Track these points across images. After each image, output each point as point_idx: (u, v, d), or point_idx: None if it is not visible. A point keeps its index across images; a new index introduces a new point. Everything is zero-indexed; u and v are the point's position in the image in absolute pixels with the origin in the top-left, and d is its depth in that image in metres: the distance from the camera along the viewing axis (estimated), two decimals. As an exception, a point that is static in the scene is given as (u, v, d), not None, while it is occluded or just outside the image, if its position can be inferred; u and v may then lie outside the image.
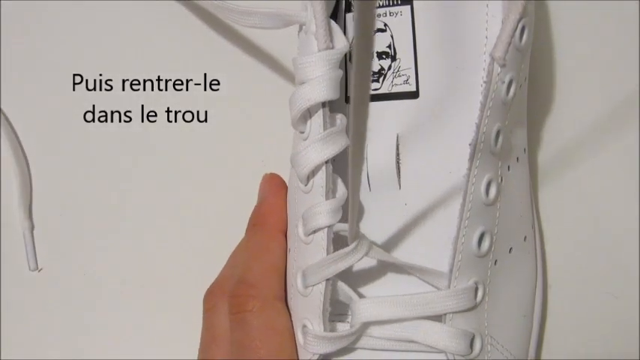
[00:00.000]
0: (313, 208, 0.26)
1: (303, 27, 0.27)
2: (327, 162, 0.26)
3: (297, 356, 0.26)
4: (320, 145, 0.26)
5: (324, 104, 0.26)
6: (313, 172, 0.26)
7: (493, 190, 0.26)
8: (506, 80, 0.26)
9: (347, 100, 0.29)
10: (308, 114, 0.26)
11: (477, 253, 0.26)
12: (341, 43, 0.26)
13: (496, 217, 0.27)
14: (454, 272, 0.25)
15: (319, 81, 0.25)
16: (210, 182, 0.36)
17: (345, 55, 0.27)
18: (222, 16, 0.30)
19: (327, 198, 0.26)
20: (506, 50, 0.25)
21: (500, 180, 0.27)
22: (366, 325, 0.25)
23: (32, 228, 0.37)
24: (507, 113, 0.27)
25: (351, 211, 0.23)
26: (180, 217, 0.36)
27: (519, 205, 0.29)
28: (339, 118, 0.27)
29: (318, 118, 0.26)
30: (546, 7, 0.33)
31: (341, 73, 0.26)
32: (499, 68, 0.26)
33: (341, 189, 0.26)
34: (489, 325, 0.26)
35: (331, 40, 0.26)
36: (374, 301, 0.25)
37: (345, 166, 0.26)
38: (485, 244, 0.26)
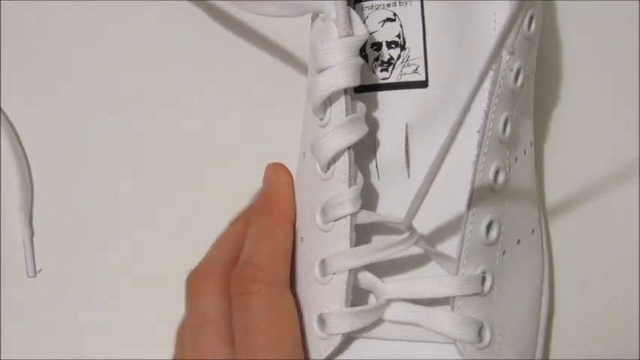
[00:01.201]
0: (337, 197, 0.26)
1: (320, 15, 0.27)
2: (349, 148, 0.26)
3: (302, 343, 0.26)
4: (342, 131, 0.26)
5: (345, 91, 0.26)
6: (334, 159, 0.26)
7: (501, 178, 0.26)
8: (515, 68, 0.26)
9: (355, 89, 0.29)
10: (328, 101, 0.26)
11: (485, 241, 0.26)
12: (360, 30, 0.26)
13: (504, 206, 0.27)
14: (462, 259, 0.25)
15: (340, 67, 0.26)
16: (210, 182, 0.36)
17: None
18: (237, 6, 0.30)
19: (349, 185, 0.26)
20: (515, 38, 0.26)
21: (508, 170, 0.27)
22: (386, 304, 0.25)
23: (32, 235, 0.37)
24: (515, 103, 0.27)
25: (414, 200, 0.23)
26: (180, 218, 0.36)
27: (526, 198, 0.29)
28: (359, 106, 0.27)
29: (339, 105, 0.26)
30: (552, 5, 0.34)
31: (361, 60, 0.26)
32: (507, 55, 0.26)
33: (359, 176, 0.26)
34: (498, 316, 0.26)
35: (351, 28, 0.26)
36: (402, 281, 0.26)
37: (357, 153, 0.26)
38: (494, 232, 0.26)
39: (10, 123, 0.38)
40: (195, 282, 0.29)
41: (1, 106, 0.38)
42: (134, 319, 0.35)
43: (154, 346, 0.35)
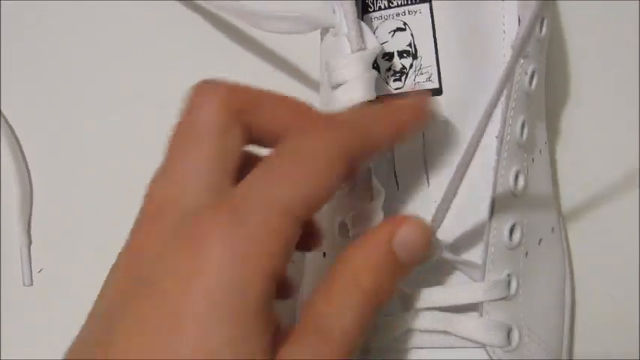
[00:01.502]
0: (360, 211, 0.26)
1: (331, 29, 0.27)
2: None
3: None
4: None
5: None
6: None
7: (521, 182, 0.26)
8: (529, 71, 0.27)
9: (369, 101, 0.29)
10: None
11: (508, 245, 0.26)
12: (373, 43, 0.26)
13: (525, 208, 0.27)
14: (487, 265, 0.25)
15: (356, 82, 0.26)
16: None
17: None
18: (248, 23, 0.30)
19: (371, 199, 0.26)
20: (528, 41, 0.26)
21: (526, 172, 0.27)
22: (414, 313, 0.25)
23: (29, 244, 0.37)
24: (531, 105, 0.27)
25: (437, 212, 0.23)
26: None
27: (545, 198, 0.29)
28: None
29: None
30: (556, 5, 0.34)
31: (375, 73, 0.26)
32: (522, 59, 0.26)
33: (380, 188, 0.26)
34: (525, 317, 0.27)
35: (363, 41, 0.26)
36: (429, 290, 0.25)
37: (376, 165, 0.26)
38: (516, 235, 0.26)
39: (9, 126, 0.38)
40: (197, 95, 0.22)
41: (1, 106, 0.38)
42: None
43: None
